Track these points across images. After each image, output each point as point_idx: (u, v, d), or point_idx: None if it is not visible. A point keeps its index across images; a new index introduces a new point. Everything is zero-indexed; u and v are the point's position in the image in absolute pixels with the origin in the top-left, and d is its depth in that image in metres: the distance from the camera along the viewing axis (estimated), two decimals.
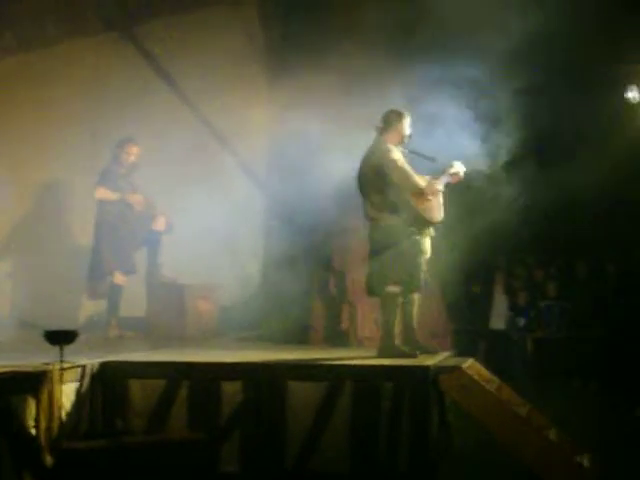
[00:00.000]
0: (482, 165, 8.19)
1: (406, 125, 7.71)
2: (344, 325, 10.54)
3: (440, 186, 7.65)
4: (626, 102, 10.94)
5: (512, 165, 8.97)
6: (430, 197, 7.55)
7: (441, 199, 7.69)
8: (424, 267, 7.63)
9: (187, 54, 10.46)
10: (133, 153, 9.47)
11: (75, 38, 10.27)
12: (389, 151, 7.58)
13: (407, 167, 7.57)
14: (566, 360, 12.13)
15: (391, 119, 7.71)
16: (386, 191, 7.54)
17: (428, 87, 8.60)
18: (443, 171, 7.72)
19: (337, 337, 10.34)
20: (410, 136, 7.75)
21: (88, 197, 9.49)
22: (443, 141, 8.02)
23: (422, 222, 7.57)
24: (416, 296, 7.74)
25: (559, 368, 12.12)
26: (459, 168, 7.77)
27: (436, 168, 7.80)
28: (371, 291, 7.75)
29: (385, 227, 7.58)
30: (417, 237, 7.56)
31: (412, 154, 7.78)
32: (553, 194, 11.50)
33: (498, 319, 13.05)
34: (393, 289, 7.53)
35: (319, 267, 10.65)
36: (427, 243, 7.67)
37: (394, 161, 7.51)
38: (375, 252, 7.63)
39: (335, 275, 10.73)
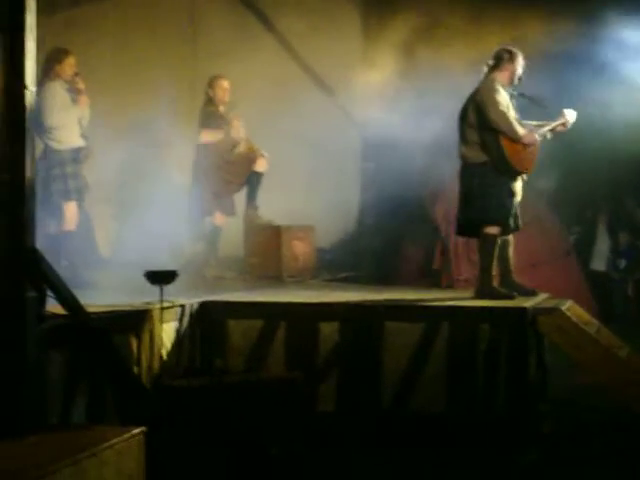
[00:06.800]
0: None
1: (518, 65, 7.49)
2: (436, 265, 10.52)
3: (538, 136, 7.47)
4: None
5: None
6: (526, 146, 7.39)
7: (535, 150, 7.49)
8: (515, 209, 7.50)
9: None
10: (223, 88, 9.40)
11: None
12: (494, 90, 7.37)
13: (510, 111, 7.37)
14: None
15: (503, 57, 7.47)
16: (481, 129, 7.39)
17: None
18: (552, 120, 7.55)
19: (431, 277, 10.34)
20: (521, 78, 7.54)
21: (188, 141, 9.53)
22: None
23: (508, 169, 7.38)
24: (510, 237, 7.64)
25: None
26: (569, 117, 7.56)
27: (547, 114, 7.61)
28: (469, 232, 7.68)
29: (472, 166, 7.45)
30: (505, 179, 7.40)
31: (522, 97, 7.59)
32: None
33: (599, 260, 12.87)
34: (492, 230, 7.42)
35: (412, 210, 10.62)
36: (518, 186, 7.51)
37: (497, 102, 7.31)
38: (465, 192, 7.52)
39: (427, 218, 10.69)
